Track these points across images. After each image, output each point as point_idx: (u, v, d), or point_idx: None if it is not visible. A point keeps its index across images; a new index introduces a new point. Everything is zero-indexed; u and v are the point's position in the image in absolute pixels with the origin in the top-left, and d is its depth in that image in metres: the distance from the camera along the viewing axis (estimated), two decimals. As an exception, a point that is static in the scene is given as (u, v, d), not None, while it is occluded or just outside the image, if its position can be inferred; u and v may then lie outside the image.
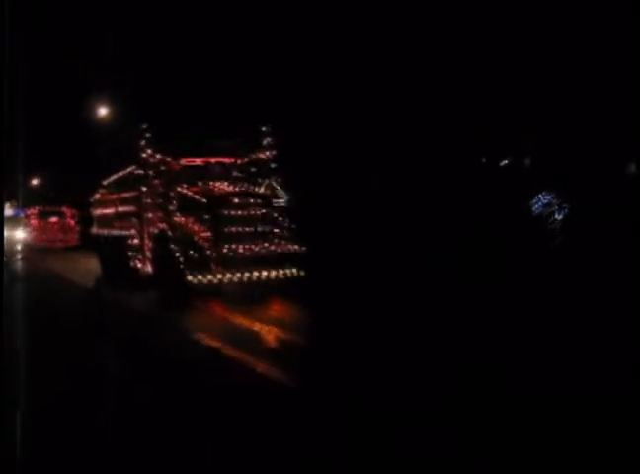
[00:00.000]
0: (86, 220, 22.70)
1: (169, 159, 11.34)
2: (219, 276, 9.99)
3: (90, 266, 16.83)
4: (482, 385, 5.52)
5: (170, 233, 10.53)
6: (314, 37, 18.96)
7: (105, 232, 15.49)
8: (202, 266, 10.00)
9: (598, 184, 13.00)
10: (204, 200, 10.51)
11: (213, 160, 11.71)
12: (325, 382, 5.84)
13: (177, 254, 10.16)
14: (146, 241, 12.02)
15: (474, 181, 15.79)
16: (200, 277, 9.90)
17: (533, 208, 14.20)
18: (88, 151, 24.52)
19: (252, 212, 10.56)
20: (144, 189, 11.80)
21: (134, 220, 12.60)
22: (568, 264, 10.79)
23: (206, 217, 10.32)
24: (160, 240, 10.87)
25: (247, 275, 10.21)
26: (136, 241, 12.52)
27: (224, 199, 10.55)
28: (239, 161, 11.84)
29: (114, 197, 14.70)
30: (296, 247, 10.75)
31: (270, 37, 19.36)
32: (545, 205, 14.12)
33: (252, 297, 10.29)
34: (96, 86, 22.71)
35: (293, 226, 10.92)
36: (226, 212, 10.37)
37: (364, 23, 18.60)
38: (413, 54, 17.19)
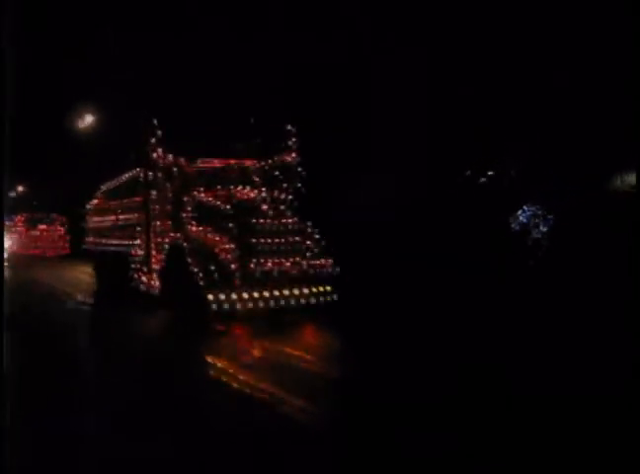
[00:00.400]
0: (77, 229, 21.19)
1: (182, 160, 9.86)
2: (245, 297, 8.55)
3: (81, 277, 15.30)
4: (482, 385, 5.61)
5: (186, 245, 9.04)
6: (315, 37, 18.10)
7: (102, 243, 14.00)
8: (225, 284, 8.54)
9: (582, 196, 13.22)
10: (229, 208, 9.05)
11: (233, 162, 10.23)
12: (356, 422, 5.00)
13: (195, 269, 8.66)
14: (153, 253, 10.53)
15: (462, 191, 16.11)
16: (221, 297, 8.44)
17: (518, 219, 14.40)
18: (81, 155, 22.87)
19: (283, 222, 9.11)
20: (153, 194, 10.32)
21: (139, 230, 11.11)
22: (552, 274, 11.18)
23: (231, 227, 8.84)
24: (173, 253, 9.37)
25: (276, 295, 8.78)
26: (141, 253, 11.03)
27: (252, 207, 9.10)
28: (261, 164, 10.38)
29: (113, 203, 13.23)
30: (330, 264, 9.33)
31: (278, 35, 18.21)
32: (530, 217, 14.24)
33: (281, 322, 8.85)
34: (93, 84, 21.11)
35: (323, 240, 9.49)
36: (254, 222, 8.92)
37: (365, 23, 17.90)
38: (411, 57, 16.75)
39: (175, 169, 9.78)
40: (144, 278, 10.78)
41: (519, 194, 15.09)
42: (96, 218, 14.93)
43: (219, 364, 6.87)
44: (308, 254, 9.28)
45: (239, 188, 9.70)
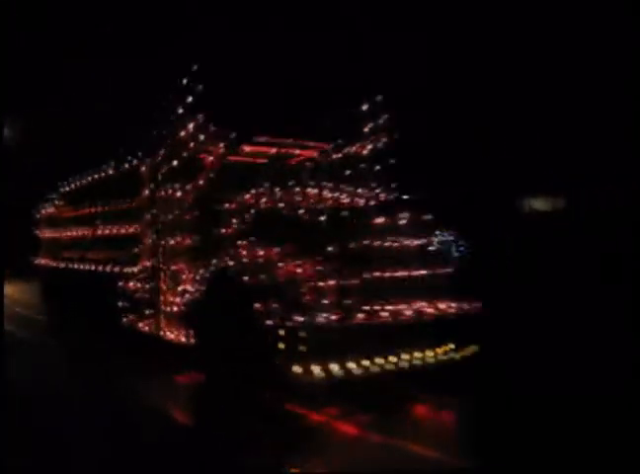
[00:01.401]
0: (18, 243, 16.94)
1: (232, 138, 6.28)
2: (352, 367, 5.09)
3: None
4: (483, 385, 5.38)
5: (247, 279, 5.45)
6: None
7: (64, 264, 10.19)
8: (321, 346, 5.04)
9: (496, 224, 13.45)
10: (321, 220, 5.56)
11: (297, 151, 6.74)
12: None
13: (268, 322, 5.14)
14: (163, 285, 6.93)
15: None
16: (315, 371, 4.95)
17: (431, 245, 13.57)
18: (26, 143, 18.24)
19: (405, 246, 5.70)
20: (171, 194, 6.71)
21: (140, 248, 7.45)
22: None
23: (331, 253, 5.31)
24: (220, 288, 5.78)
25: (393, 359, 5.36)
26: (142, 285, 7.36)
27: (359, 219, 5.66)
28: (346, 152, 6.91)
29: (87, 211, 9.45)
30: (465, 305, 5.98)
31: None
32: (442, 242, 13.09)
33: (399, 400, 5.46)
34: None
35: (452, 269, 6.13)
36: (367, 245, 5.46)
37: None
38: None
39: (220, 151, 6.17)
40: (148, 320, 7.15)
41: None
42: (55, 230, 11.08)
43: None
44: (436, 292, 5.90)
45: (309, 189, 6.18)
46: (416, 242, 5.72)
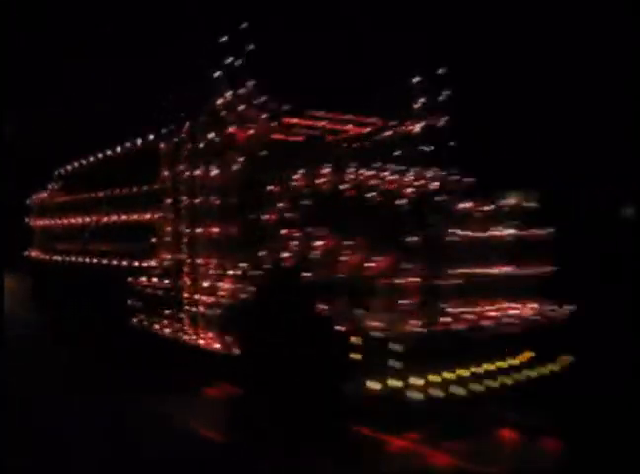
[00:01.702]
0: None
1: (284, 109, 5.34)
2: (436, 381, 4.20)
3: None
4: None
5: (311, 275, 4.51)
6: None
7: (61, 257, 9.17)
8: (412, 357, 4.13)
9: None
10: (397, 205, 4.65)
11: (349, 127, 5.82)
12: None
13: (339, 328, 4.21)
14: (188, 281, 5.97)
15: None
16: (396, 385, 4.05)
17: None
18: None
19: (492, 237, 4.82)
20: (210, 174, 5.74)
21: (158, 239, 6.47)
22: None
23: (413, 243, 4.38)
24: (278, 286, 4.84)
25: (477, 370, 4.48)
26: (159, 280, 6.41)
27: (440, 205, 4.76)
28: (407, 129, 5.99)
29: (91, 196, 8.43)
30: (555, 308, 5.13)
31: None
32: None
33: (498, 423, 4.62)
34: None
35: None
36: (454, 234, 4.56)
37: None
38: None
39: (264, 124, 5.22)
40: (170, 322, 6.18)
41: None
42: (51, 219, 10.03)
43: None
44: (527, 292, 5.04)
45: (387, 169, 5.26)
46: (509, 234, 4.83)
